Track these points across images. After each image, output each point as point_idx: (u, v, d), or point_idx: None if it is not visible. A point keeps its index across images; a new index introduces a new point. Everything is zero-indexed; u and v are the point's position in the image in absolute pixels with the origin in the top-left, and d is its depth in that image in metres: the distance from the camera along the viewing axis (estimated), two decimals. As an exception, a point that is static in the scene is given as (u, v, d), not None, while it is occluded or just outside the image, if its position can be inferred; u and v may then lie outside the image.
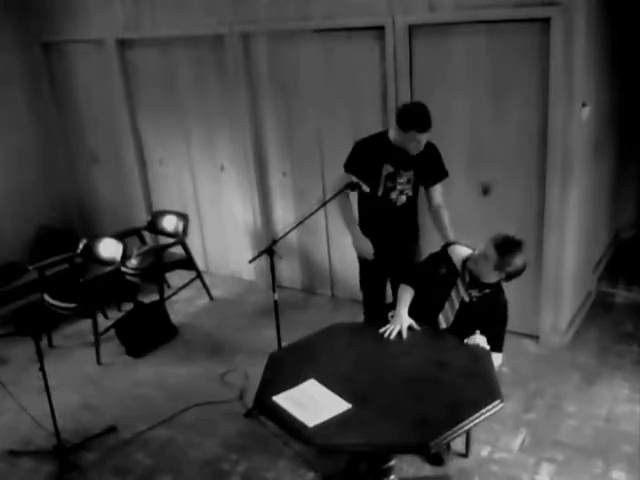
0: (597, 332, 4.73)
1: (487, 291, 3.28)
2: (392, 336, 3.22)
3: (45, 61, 6.55)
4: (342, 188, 3.78)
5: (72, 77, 6.49)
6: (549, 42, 3.96)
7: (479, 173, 4.51)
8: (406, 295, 3.38)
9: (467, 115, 4.42)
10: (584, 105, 4.21)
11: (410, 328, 3.27)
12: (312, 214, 3.95)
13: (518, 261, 3.14)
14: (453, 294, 3.32)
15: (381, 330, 3.26)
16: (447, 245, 3.53)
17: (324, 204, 3.95)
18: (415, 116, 3.58)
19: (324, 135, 5.03)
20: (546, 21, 3.94)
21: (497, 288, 3.31)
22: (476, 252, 3.25)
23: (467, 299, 3.30)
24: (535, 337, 4.61)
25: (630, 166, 5.81)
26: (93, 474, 3.68)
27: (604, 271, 5.51)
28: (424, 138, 3.62)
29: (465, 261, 3.31)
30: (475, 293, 3.29)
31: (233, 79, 5.33)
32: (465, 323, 3.28)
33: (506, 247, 3.13)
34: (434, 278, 3.36)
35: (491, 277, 3.23)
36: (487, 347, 3.16)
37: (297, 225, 4.08)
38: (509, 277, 3.21)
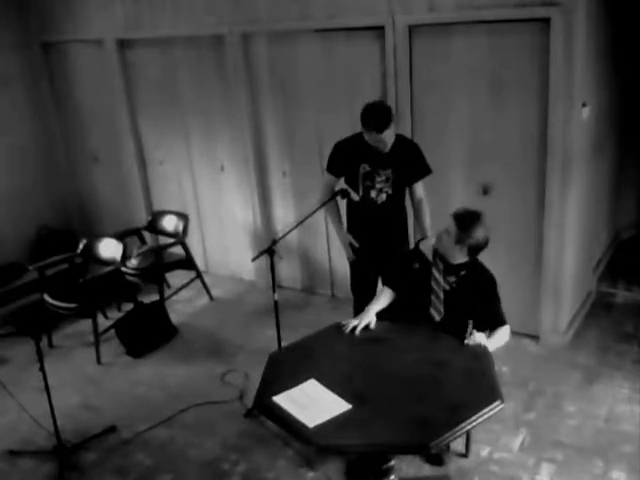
0: (597, 332, 4.73)
1: (463, 273, 3.28)
2: (347, 330, 3.25)
3: (45, 61, 6.55)
4: (333, 195, 3.89)
5: (72, 77, 6.49)
6: (549, 42, 3.96)
7: (479, 173, 4.51)
8: (382, 296, 3.42)
9: (467, 115, 4.42)
10: (584, 105, 4.21)
11: (367, 327, 3.28)
12: (312, 214, 3.97)
13: (478, 233, 3.16)
14: (434, 285, 3.32)
15: (342, 323, 3.31)
16: (419, 241, 3.57)
17: (323, 205, 3.97)
18: (371, 116, 3.61)
19: (324, 135, 5.03)
20: (546, 21, 3.94)
21: (473, 267, 3.30)
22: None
23: (447, 287, 3.30)
24: (535, 337, 4.61)
25: (630, 166, 5.81)
26: (93, 474, 3.68)
27: (604, 271, 5.51)
28: (387, 136, 3.63)
29: (435, 249, 3.33)
30: (452, 279, 3.29)
31: (233, 79, 5.33)
32: (456, 310, 3.28)
33: (465, 219, 3.16)
34: (410, 275, 3.38)
35: (456, 255, 3.23)
36: (489, 346, 3.14)
37: (297, 225, 4.09)
38: (472, 251, 3.21)
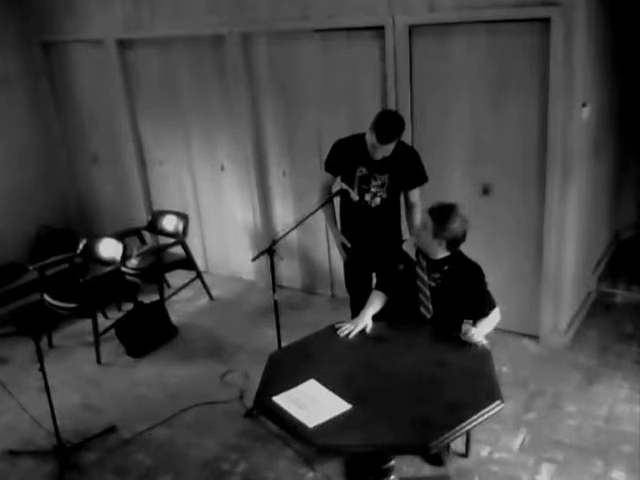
0: (597, 332, 4.72)
1: (446, 268, 3.28)
2: (343, 334, 3.24)
3: (45, 61, 6.56)
4: (332, 195, 3.92)
5: (72, 77, 6.49)
6: (549, 42, 3.96)
7: (479, 173, 4.51)
8: (374, 299, 3.41)
9: (467, 115, 4.42)
10: (584, 105, 4.21)
11: (363, 330, 3.28)
12: (312, 214, 3.97)
13: (454, 225, 3.17)
14: (419, 284, 3.32)
15: (337, 326, 3.30)
16: (401, 243, 3.58)
17: (322, 205, 3.98)
18: (381, 124, 3.58)
19: (324, 135, 5.03)
20: (546, 21, 3.94)
21: (456, 260, 3.30)
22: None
23: (433, 284, 3.30)
24: (535, 337, 4.61)
25: (630, 166, 5.81)
26: (93, 474, 3.68)
27: (604, 271, 5.50)
28: (383, 149, 3.63)
29: (418, 248, 3.34)
30: (437, 275, 3.29)
31: (233, 79, 5.33)
32: (445, 306, 3.28)
33: (440, 212, 3.18)
34: (397, 277, 3.38)
35: (436, 250, 3.24)
36: (479, 334, 3.12)
37: (297, 225, 4.09)
38: (450, 244, 3.22)
